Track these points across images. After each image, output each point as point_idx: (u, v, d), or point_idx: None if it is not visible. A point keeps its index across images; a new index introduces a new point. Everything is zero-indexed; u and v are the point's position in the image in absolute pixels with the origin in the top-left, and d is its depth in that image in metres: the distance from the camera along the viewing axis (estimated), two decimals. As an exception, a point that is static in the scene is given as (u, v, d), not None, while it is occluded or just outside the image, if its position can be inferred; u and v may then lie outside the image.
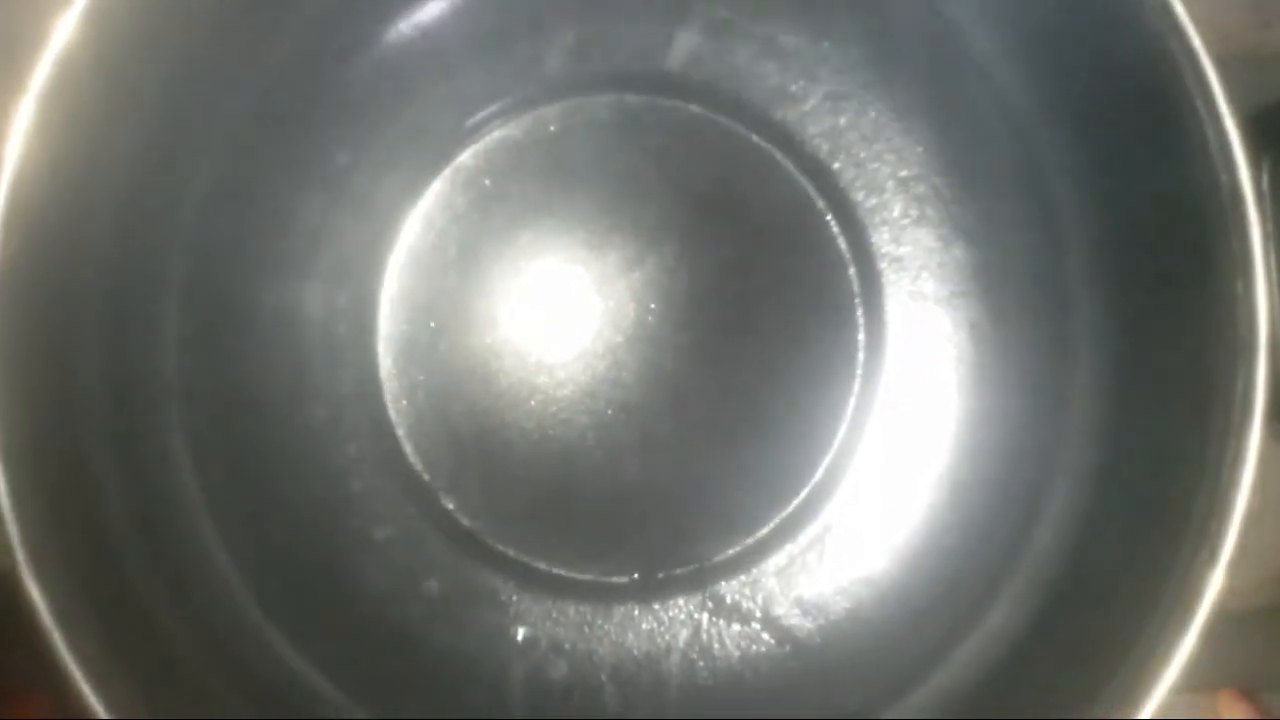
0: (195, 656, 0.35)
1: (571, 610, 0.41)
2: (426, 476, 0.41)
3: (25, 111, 0.30)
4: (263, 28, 0.37)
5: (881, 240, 0.42)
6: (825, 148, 0.42)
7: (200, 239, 0.38)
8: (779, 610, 0.41)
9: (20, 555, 0.30)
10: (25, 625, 0.30)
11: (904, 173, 0.42)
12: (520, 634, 0.40)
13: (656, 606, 0.41)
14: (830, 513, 0.41)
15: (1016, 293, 0.40)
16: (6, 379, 0.31)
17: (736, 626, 0.41)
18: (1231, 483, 0.31)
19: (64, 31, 0.30)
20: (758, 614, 0.41)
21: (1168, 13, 0.32)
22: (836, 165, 0.42)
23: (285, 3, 0.37)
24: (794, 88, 0.42)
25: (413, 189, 0.42)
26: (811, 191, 0.42)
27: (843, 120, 0.42)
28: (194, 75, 0.35)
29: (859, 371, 0.42)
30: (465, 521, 0.41)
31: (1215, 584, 0.31)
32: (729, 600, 0.41)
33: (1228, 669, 0.43)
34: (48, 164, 0.31)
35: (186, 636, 0.35)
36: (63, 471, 0.32)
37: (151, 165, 0.35)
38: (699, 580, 0.41)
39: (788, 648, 0.40)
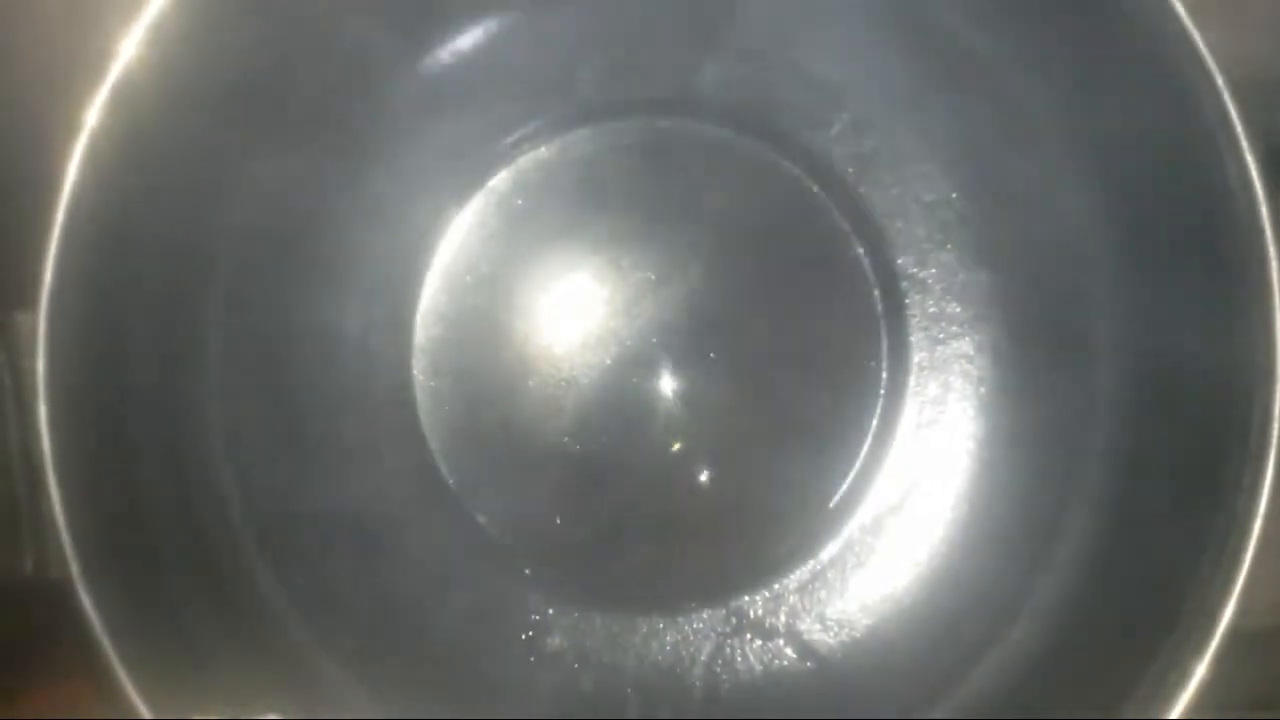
0: (235, 662, 0.36)
1: (598, 622, 0.42)
2: (458, 490, 0.42)
3: (81, 145, 0.31)
4: (304, 56, 0.38)
5: (906, 263, 0.43)
6: (851, 171, 0.43)
7: (241, 257, 0.39)
8: (801, 625, 0.41)
9: (74, 566, 0.31)
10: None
11: (929, 197, 0.43)
12: (548, 645, 0.41)
13: (680, 620, 0.42)
14: (852, 530, 0.42)
15: (1037, 315, 0.41)
16: (59, 402, 0.32)
17: (759, 641, 0.41)
18: (1248, 508, 0.32)
19: (120, 65, 0.31)
20: (780, 629, 0.41)
21: (1189, 45, 0.33)
22: (862, 189, 0.43)
23: (326, 31, 0.38)
24: (821, 113, 0.43)
25: (448, 209, 0.43)
26: (837, 214, 0.43)
27: (869, 145, 0.43)
28: (241, 105, 0.36)
29: (882, 391, 0.43)
30: (495, 534, 0.42)
31: (1230, 607, 0.32)
32: (752, 615, 0.42)
33: (1244, 689, 0.43)
34: (101, 188, 0.32)
35: (226, 642, 0.36)
36: (113, 488, 0.34)
37: (198, 191, 0.36)
38: (723, 594, 0.42)
39: (810, 663, 0.41)
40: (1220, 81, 0.32)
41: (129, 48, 0.32)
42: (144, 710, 0.32)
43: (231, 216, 0.38)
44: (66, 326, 0.32)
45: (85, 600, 0.31)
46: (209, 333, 0.38)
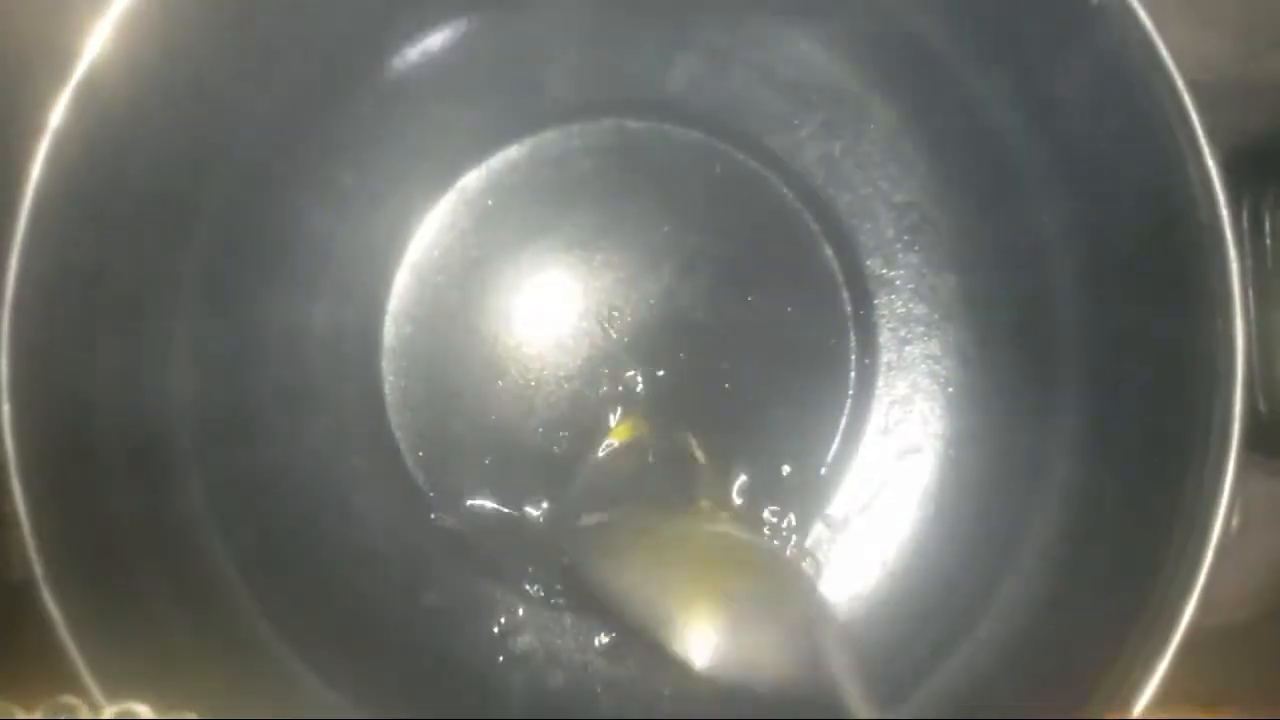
0: (202, 663, 0.36)
1: (568, 621, 0.42)
2: (427, 489, 0.42)
3: (45, 146, 0.31)
4: (274, 54, 0.38)
5: (874, 265, 0.43)
6: (820, 173, 0.43)
7: (211, 259, 0.38)
8: (770, 624, 0.42)
9: (38, 568, 0.31)
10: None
11: (897, 199, 0.43)
12: (517, 644, 0.41)
13: (651, 619, 0.42)
14: (821, 529, 0.42)
15: (1002, 318, 0.42)
16: (23, 403, 0.31)
17: (729, 640, 0.41)
18: (1209, 509, 0.32)
19: (85, 63, 0.31)
20: (750, 628, 0.42)
21: (1150, 50, 0.33)
22: (831, 190, 0.43)
23: (296, 28, 0.38)
24: (790, 115, 0.43)
25: (418, 208, 0.43)
26: (806, 216, 0.43)
27: (837, 147, 0.43)
28: (208, 104, 0.36)
29: (851, 391, 0.43)
30: (464, 533, 0.42)
31: (1192, 604, 0.32)
32: (722, 614, 0.42)
33: (1211, 682, 0.44)
34: (66, 187, 0.32)
35: (193, 643, 0.36)
36: (77, 488, 0.33)
37: (165, 192, 0.36)
38: (693, 593, 0.42)
39: (778, 661, 0.41)
40: (1181, 84, 0.33)
41: (94, 45, 0.32)
42: (108, 712, 0.31)
43: (198, 218, 0.38)
44: (31, 327, 0.32)
45: (49, 601, 0.31)
46: (176, 335, 0.38)
